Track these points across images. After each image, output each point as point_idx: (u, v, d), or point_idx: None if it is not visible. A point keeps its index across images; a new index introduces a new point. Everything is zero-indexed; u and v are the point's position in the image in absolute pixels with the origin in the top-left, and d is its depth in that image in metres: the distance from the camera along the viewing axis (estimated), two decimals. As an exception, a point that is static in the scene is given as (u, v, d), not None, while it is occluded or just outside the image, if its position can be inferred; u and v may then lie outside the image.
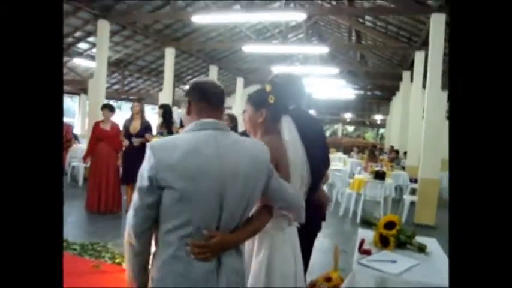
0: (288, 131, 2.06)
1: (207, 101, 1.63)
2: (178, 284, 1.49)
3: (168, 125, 5.93)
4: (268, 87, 2.02)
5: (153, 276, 1.55)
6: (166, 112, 6.16)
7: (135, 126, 6.13)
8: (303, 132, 2.11)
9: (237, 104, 16.95)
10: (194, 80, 1.75)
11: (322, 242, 4.88)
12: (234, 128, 4.63)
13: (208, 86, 1.66)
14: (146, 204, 1.49)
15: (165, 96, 12.13)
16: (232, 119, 4.75)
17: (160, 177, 1.45)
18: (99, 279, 3.75)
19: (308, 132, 2.17)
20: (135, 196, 1.51)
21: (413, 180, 8.45)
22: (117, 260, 4.15)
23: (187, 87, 1.71)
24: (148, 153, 1.50)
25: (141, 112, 6.21)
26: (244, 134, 2.51)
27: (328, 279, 2.68)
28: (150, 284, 1.57)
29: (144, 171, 1.49)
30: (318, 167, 2.32)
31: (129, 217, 1.54)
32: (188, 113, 1.65)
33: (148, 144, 1.54)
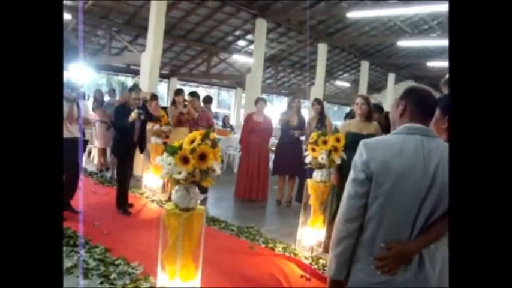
0: None
1: (423, 109, 1.72)
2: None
3: (321, 120, 6.10)
4: None
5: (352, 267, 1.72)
6: (323, 108, 6.36)
7: (294, 121, 6.48)
8: None
9: (387, 101, 16.37)
10: (413, 86, 1.83)
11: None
12: (388, 126, 4.55)
13: (426, 95, 1.74)
14: (358, 194, 1.65)
15: (317, 91, 12.39)
16: (387, 117, 4.68)
17: (371, 171, 1.62)
18: (254, 259, 4.08)
19: None
20: (348, 186, 1.69)
21: None
22: (270, 245, 4.47)
23: (403, 90, 1.80)
24: (361, 149, 1.68)
25: (300, 108, 6.64)
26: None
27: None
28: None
29: (358, 164, 1.66)
30: None
31: (341, 204, 1.72)
32: (401, 115, 1.75)
33: (361, 142, 1.71)
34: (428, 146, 1.64)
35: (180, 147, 2.48)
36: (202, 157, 2.49)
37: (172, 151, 2.49)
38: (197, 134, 2.51)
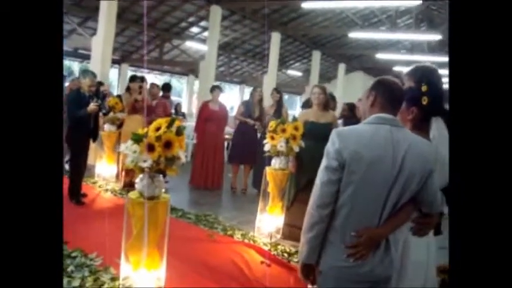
0: (438, 133, 2.03)
1: (392, 100, 1.80)
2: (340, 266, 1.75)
3: (279, 109, 6.17)
4: (424, 87, 2.00)
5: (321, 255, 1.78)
6: (281, 97, 6.42)
7: (256, 111, 6.47)
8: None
9: (338, 91, 16.74)
10: (383, 77, 1.89)
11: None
12: (351, 116, 4.70)
13: (395, 87, 1.82)
14: (330, 181, 1.70)
15: (270, 80, 12.45)
16: (351, 108, 4.83)
17: (344, 159, 1.67)
18: (214, 247, 4.10)
19: None
20: (321, 173, 1.74)
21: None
22: (229, 233, 4.50)
23: (374, 81, 1.87)
24: (334, 137, 1.72)
25: (262, 99, 6.60)
26: None
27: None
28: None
29: (331, 152, 1.71)
30: None
31: (314, 190, 1.76)
32: (372, 105, 1.82)
33: (334, 131, 1.77)
34: (397, 136, 1.72)
35: (145, 135, 2.44)
36: (168, 145, 2.46)
37: (138, 139, 2.44)
38: (162, 122, 2.47)
